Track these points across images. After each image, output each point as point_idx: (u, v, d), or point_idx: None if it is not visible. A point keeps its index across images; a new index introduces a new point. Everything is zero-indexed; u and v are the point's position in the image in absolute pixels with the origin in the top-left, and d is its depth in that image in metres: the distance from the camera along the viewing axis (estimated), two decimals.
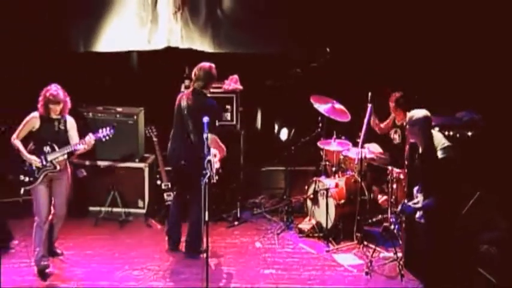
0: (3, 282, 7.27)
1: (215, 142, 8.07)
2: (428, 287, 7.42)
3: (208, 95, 8.21)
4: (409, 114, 7.22)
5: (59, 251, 8.30)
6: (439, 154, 7.00)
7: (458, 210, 7.24)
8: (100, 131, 7.81)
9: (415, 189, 7.30)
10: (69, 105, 7.79)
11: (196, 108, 8.14)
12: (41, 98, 7.64)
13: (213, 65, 8.23)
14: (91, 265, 8.27)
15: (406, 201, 7.32)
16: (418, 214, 7.22)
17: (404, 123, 8.77)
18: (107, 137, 7.89)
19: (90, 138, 7.76)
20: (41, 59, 10.00)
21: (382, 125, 9.29)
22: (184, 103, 8.21)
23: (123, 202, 9.58)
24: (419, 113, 7.13)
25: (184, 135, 8.21)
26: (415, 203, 7.19)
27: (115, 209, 9.59)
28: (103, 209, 9.60)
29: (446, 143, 7.09)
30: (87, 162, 9.61)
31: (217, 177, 7.99)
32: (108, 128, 7.83)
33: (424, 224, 7.18)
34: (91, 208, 9.68)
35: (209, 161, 7.68)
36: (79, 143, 7.72)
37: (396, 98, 8.98)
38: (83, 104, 9.70)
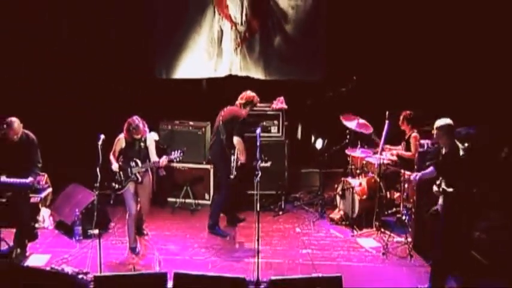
0: (104, 255, 7.36)
1: (239, 144, 8.26)
2: (435, 265, 7.25)
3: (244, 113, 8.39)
4: (436, 122, 7.05)
5: (145, 232, 8.50)
6: (462, 151, 6.88)
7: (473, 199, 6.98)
8: (172, 153, 7.92)
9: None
10: (146, 132, 7.83)
11: (228, 117, 8.37)
12: (125, 126, 7.71)
13: (257, 97, 8.45)
14: (169, 243, 8.41)
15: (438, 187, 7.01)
16: (440, 201, 6.99)
17: (410, 136, 8.81)
18: (177, 159, 7.98)
19: (165, 159, 7.86)
20: (134, 84, 10.10)
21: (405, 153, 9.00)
22: (222, 113, 8.46)
23: (193, 195, 9.64)
24: (444, 120, 6.99)
25: (217, 138, 8.42)
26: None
27: (187, 200, 9.65)
28: (178, 200, 9.66)
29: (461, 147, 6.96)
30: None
31: (235, 174, 8.32)
32: (179, 151, 7.92)
33: (443, 209, 6.97)
34: (169, 199, 9.74)
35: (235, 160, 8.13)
36: (156, 162, 7.84)
37: (405, 115, 8.86)
38: (163, 119, 9.80)
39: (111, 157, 7.79)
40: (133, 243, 8.06)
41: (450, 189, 6.86)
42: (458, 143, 7.02)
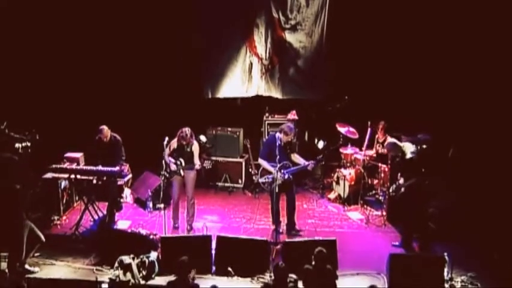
0: (167, 222, 7.47)
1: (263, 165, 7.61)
2: (405, 233, 7.35)
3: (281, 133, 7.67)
4: (387, 142, 7.36)
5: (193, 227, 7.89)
6: (409, 155, 7.01)
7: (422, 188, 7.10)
8: (204, 162, 7.45)
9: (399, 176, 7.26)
10: (192, 141, 7.58)
11: None
12: (178, 133, 7.54)
13: (285, 127, 7.65)
14: (213, 214, 8.50)
15: (395, 184, 7.27)
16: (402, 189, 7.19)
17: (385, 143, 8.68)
18: (205, 167, 7.55)
19: (198, 165, 7.66)
20: (190, 101, 10.01)
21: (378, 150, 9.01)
22: None
23: (230, 180, 9.66)
24: (391, 141, 7.40)
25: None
26: (398, 184, 7.18)
27: (226, 184, 9.63)
28: (219, 183, 9.66)
29: (413, 149, 7.07)
30: (212, 158, 9.63)
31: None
32: (209, 162, 7.53)
33: (403, 195, 7.12)
34: (212, 183, 9.69)
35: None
36: (195, 165, 7.63)
37: (383, 125, 8.88)
38: (209, 126, 9.79)
39: (167, 152, 7.71)
40: (174, 221, 7.86)
41: (404, 183, 7.07)
42: (412, 145, 7.12)
